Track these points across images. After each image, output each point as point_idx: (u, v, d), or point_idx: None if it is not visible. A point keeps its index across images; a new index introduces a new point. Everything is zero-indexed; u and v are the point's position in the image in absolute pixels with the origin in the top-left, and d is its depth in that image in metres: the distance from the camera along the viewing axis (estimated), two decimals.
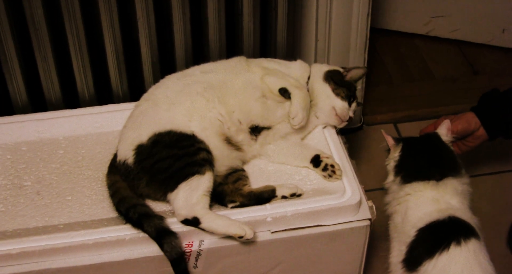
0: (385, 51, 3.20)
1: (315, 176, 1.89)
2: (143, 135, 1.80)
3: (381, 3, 3.14)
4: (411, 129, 2.77)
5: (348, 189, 1.82)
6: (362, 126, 2.78)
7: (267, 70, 1.95)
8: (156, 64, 2.22)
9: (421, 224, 1.79)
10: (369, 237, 1.84)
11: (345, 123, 2.00)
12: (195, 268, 1.75)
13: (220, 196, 1.82)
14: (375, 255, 2.22)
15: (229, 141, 1.87)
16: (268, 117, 1.92)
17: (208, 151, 1.79)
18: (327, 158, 1.89)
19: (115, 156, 1.88)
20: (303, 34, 2.45)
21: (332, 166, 1.87)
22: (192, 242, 1.73)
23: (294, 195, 1.81)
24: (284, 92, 1.89)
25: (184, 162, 1.75)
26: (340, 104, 1.97)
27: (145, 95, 1.95)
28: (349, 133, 2.70)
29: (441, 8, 3.17)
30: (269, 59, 2.07)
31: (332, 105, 1.97)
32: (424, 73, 3.09)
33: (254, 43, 2.27)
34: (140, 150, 1.79)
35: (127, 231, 1.72)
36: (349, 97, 1.98)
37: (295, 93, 1.89)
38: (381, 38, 3.22)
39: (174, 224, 1.73)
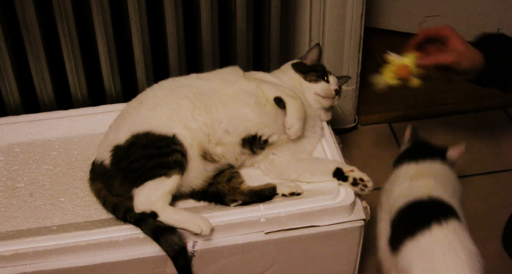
0: (380, 51, 3.18)
1: None
2: (121, 137, 1.80)
3: (375, 3, 3.14)
4: (405, 129, 2.76)
5: (342, 189, 1.82)
6: (356, 126, 2.77)
7: (262, 81, 1.95)
8: (149, 65, 2.22)
9: (403, 201, 1.78)
10: (363, 238, 1.84)
11: (337, 97, 2.02)
12: None
13: (218, 196, 1.82)
14: (370, 255, 2.22)
15: (204, 156, 1.84)
16: (268, 124, 1.89)
17: (183, 154, 1.77)
18: (351, 171, 1.85)
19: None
20: (296, 34, 2.45)
21: (362, 179, 1.83)
22: (186, 243, 1.73)
23: (293, 194, 1.81)
24: (279, 102, 1.88)
25: (156, 162, 1.75)
26: (318, 87, 1.99)
27: (137, 96, 1.95)
28: (344, 133, 2.70)
29: (436, 7, 3.17)
30: (260, 72, 2.07)
31: (313, 91, 1.99)
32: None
33: (248, 44, 2.27)
34: (117, 151, 1.79)
35: (120, 232, 1.71)
36: (321, 76, 2.00)
37: (289, 103, 1.88)
38: (375, 38, 3.21)
39: None
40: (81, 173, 1.91)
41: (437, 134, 2.73)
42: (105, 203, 1.81)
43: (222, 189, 1.82)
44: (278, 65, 2.15)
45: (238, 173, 1.88)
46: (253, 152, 1.90)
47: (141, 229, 1.71)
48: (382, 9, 3.21)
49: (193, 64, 2.26)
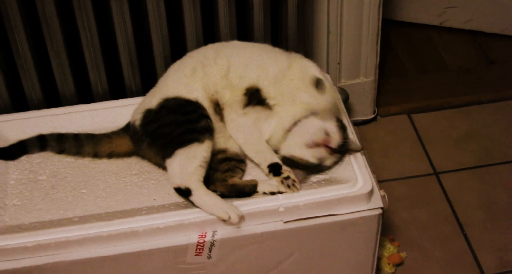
0: (399, 43, 3.19)
1: None
2: (154, 101, 1.86)
3: None
4: (425, 120, 2.77)
5: (360, 178, 1.82)
6: (376, 117, 2.78)
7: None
8: (168, 58, 2.23)
9: None
10: (382, 226, 1.85)
11: None
12: (209, 259, 1.77)
13: (207, 181, 1.81)
14: None
15: (215, 109, 1.86)
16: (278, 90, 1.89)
17: (209, 119, 1.81)
18: (288, 171, 1.80)
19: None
20: (314, 27, 2.45)
21: (294, 180, 1.79)
22: (206, 232, 1.74)
23: (273, 194, 1.79)
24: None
25: (184, 128, 1.77)
26: None
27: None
28: (363, 124, 2.70)
29: None
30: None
31: None
32: (438, 64, 3.09)
33: (265, 36, 2.27)
34: (148, 114, 1.84)
35: (140, 222, 1.73)
36: None
37: None
38: (394, 30, 3.21)
39: (190, 214, 1.74)
40: (102, 165, 1.93)
41: (456, 125, 2.73)
42: None
43: (214, 177, 1.82)
44: None
45: (240, 169, 1.86)
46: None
47: None
48: (401, 0, 3.20)
49: None
